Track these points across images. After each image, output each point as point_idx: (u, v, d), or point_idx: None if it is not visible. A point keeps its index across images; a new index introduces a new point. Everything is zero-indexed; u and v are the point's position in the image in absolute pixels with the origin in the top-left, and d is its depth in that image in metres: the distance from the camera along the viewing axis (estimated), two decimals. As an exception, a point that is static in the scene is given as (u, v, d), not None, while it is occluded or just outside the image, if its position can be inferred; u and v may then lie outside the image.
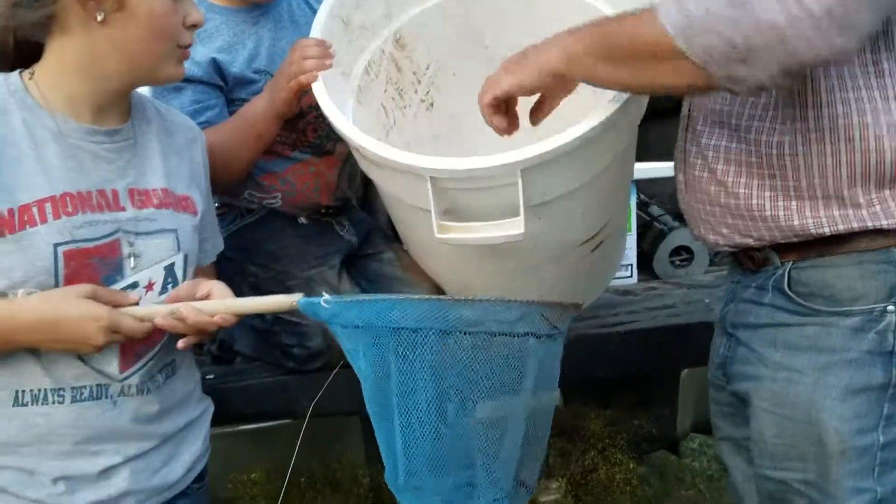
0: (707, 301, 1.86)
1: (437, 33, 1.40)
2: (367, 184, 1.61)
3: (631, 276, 2.05)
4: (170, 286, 1.09)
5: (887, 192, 0.98)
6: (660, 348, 1.72)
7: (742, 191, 1.05)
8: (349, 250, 1.61)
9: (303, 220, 1.56)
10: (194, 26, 1.09)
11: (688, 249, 2.08)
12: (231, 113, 1.41)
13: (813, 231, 1.01)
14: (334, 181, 1.54)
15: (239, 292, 1.11)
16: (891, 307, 0.98)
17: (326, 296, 1.00)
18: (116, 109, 1.09)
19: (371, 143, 1.11)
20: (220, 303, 1.06)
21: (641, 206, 2.15)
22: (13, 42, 1.06)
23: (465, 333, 0.97)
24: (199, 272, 1.19)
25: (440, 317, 0.96)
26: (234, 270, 1.46)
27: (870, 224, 0.98)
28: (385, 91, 1.39)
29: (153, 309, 1.04)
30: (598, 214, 1.29)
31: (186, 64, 1.23)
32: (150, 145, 1.12)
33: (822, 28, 0.79)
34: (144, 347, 1.08)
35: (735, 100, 1.06)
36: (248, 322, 1.54)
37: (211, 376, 1.50)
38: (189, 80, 1.34)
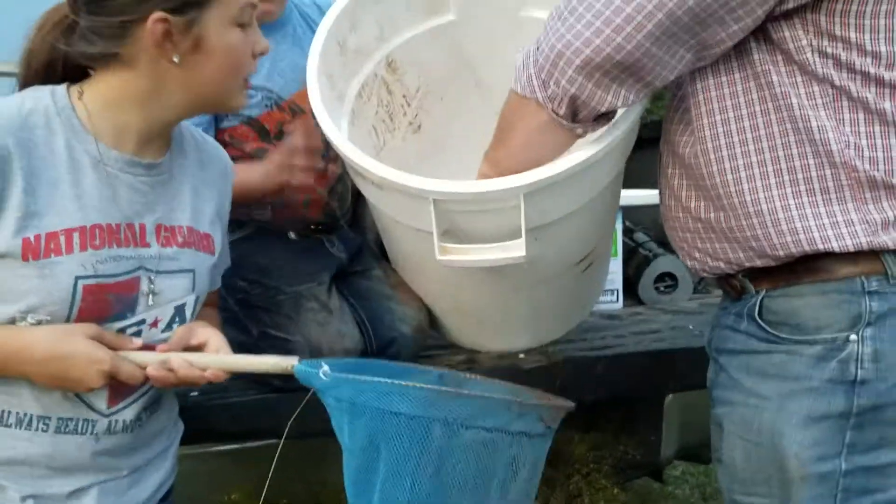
0: (691, 327, 1.88)
1: (427, 58, 1.43)
2: (357, 202, 1.62)
3: (617, 300, 2.07)
4: (175, 325, 1.08)
5: (838, 207, 0.99)
6: (645, 373, 1.73)
7: (703, 215, 1.08)
8: (339, 267, 1.62)
9: (292, 235, 1.57)
10: (261, 54, 1.07)
11: (672, 276, 2.11)
12: (226, 129, 1.41)
13: (768, 251, 1.02)
14: (324, 197, 1.55)
15: (226, 308, 1.11)
16: (853, 336, 0.99)
17: (325, 367, 0.99)
18: (160, 141, 1.08)
19: (374, 164, 1.13)
20: (213, 358, 1.05)
21: (627, 232, 2.18)
22: (61, 67, 1.03)
23: (461, 426, 0.97)
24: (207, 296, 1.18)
25: (440, 407, 0.96)
26: (223, 285, 1.46)
27: (820, 247, 0.99)
28: (376, 113, 1.42)
29: (150, 356, 1.03)
30: (591, 236, 1.32)
31: None
32: (184, 180, 1.11)
33: (596, 26, 0.92)
34: (131, 387, 1.07)
35: (676, 126, 1.10)
36: (232, 338, 1.54)
37: (195, 393, 1.49)
38: None
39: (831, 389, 1.00)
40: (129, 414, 1.08)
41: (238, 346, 1.54)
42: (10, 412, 1.01)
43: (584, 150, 1.05)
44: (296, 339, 1.46)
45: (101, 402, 1.04)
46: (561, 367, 1.66)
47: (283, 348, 1.49)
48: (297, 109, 1.47)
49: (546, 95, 0.98)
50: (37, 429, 1.01)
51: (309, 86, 1.23)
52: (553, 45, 0.94)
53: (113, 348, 1.00)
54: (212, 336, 1.07)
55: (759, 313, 1.05)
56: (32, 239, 0.96)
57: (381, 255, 1.67)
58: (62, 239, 0.97)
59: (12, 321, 0.97)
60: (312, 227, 1.58)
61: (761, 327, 1.05)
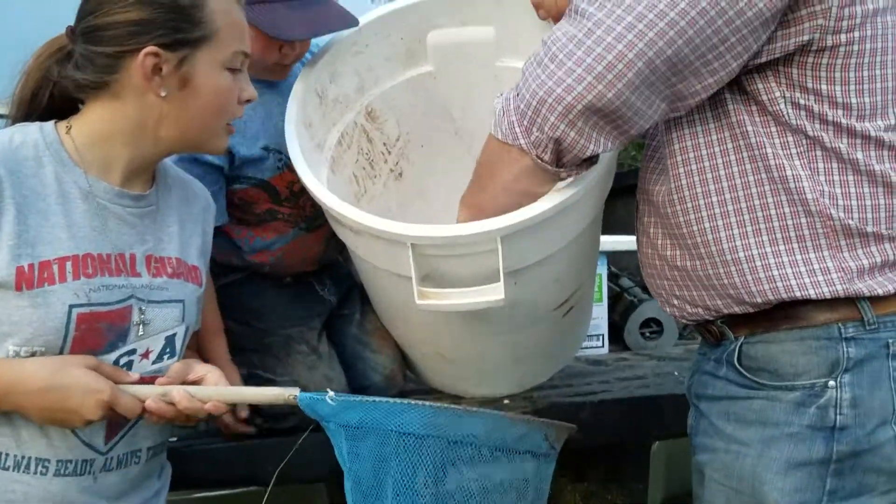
0: (676, 373, 1.87)
1: (406, 107, 1.46)
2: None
3: (602, 346, 2.07)
4: (166, 356, 1.08)
5: (815, 255, 1.00)
6: (631, 420, 1.72)
7: (679, 263, 1.09)
8: (330, 311, 1.62)
9: (288, 280, 1.57)
10: (248, 101, 1.09)
11: (658, 322, 2.11)
12: (237, 191, 1.42)
13: (746, 299, 1.03)
14: (321, 251, 1.57)
15: None
16: (831, 383, 0.99)
17: (331, 393, 0.98)
18: (145, 175, 1.10)
19: (350, 210, 1.14)
20: (213, 389, 1.04)
21: (612, 277, 2.19)
22: (48, 98, 1.06)
23: (469, 445, 0.98)
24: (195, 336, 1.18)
25: (448, 426, 0.96)
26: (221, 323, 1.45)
27: (798, 294, 1.00)
28: (357, 161, 1.44)
29: (149, 389, 1.02)
30: (570, 280, 1.32)
31: None
32: (170, 213, 1.13)
33: (577, 73, 0.92)
34: (125, 418, 1.06)
35: (651, 176, 1.12)
36: None
37: (174, 439, 1.47)
38: (198, 161, 1.35)
39: (811, 436, 0.99)
40: (123, 448, 1.06)
41: None
42: (8, 454, 0.99)
43: (559, 194, 1.07)
44: (283, 380, 1.46)
45: (98, 439, 1.03)
46: (546, 412, 1.64)
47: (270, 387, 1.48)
48: None
49: (529, 142, 0.97)
50: (35, 472, 0.99)
51: (287, 133, 1.26)
52: (535, 91, 0.94)
53: (111, 381, 0.99)
54: (210, 371, 1.07)
55: (739, 359, 1.05)
56: (26, 268, 0.96)
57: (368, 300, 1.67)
58: (55, 268, 0.97)
59: (5, 356, 0.97)
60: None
61: (740, 373, 1.05)
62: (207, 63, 1.02)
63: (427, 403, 0.97)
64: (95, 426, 1.02)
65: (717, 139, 1.03)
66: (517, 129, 0.97)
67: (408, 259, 1.08)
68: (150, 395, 1.01)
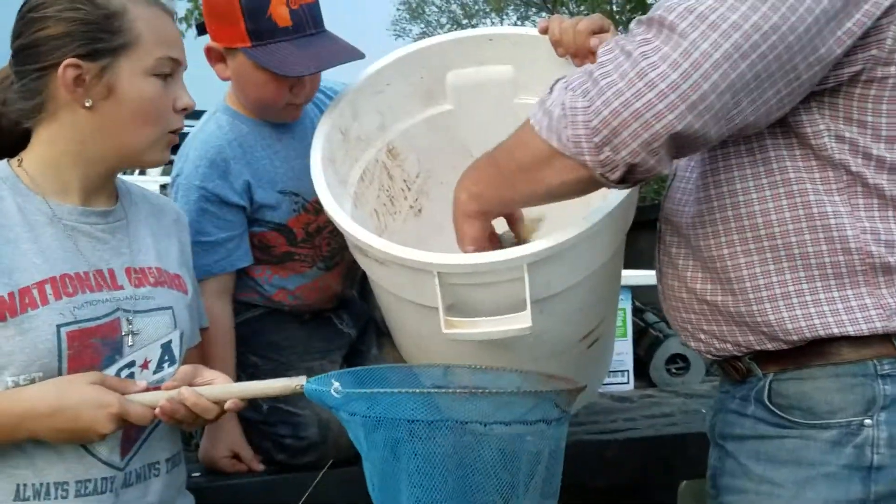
0: (704, 411, 1.83)
1: (426, 144, 1.48)
2: (364, 277, 1.62)
3: (627, 382, 2.04)
4: (165, 364, 1.09)
5: (852, 291, 0.98)
6: (658, 458, 1.68)
7: (710, 297, 1.07)
8: (349, 344, 1.62)
9: (306, 316, 1.58)
10: (185, 110, 1.09)
11: (684, 358, 2.08)
12: (255, 234, 1.43)
13: (781, 336, 1.01)
14: (339, 289, 1.58)
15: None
16: (868, 421, 0.97)
17: (336, 383, 0.97)
18: (105, 192, 1.11)
19: (377, 240, 1.15)
20: (222, 388, 1.04)
21: (637, 312, 2.16)
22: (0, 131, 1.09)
23: (479, 424, 0.97)
24: (189, 354, 1.18)
25: (454, 409, 0.96)
26: (235, 361, 1.47)
27: (835, 331, 0.98)
28: (378, 197, 1.45)
29: (157, 395, 1.02)
30: (594, 311, 1.31)
31: (224, 188, 1.27)
32: (141, 225, 1.14)
33: (670, 100, 0.85)
34: (138, 429, 1.06)
35: (683, 208, 1.10)
36: (241, 416, 1.53)
37: (197, 474, 1.47)
38: (224, 203, 1.39)
39: (848, 476, 0.97)
40: (140, 461, 1.07)
41: (246, 422, 1.54)
42: (26, 485, 0.99)
43: (585, 221, 1.07)
44: (305, 412, 1.45)
45: (114, 455, 1.04)
46: (571, 450, 1.62)
47: (290, 422, 1.48)
48: (322, 208, 1.49)
49: (597, 160, 0.90)
50: (56, 496, 1.00)
51: (312, 168, 1.28)
52: (617, 110, 0.86)
53: (118, 392, 0.99)
54: (218, 376, 1.07)
55: (769, 397, 1.03)
56: (6, 297, 0.97)
57: (386, 331, 1.67)
58: (35, 292, 0.99)
59: (5, 388, 0.98)
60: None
61: (771, 411, 1.02)
62: (130, 70, 1.03)
63: (431, 390, 0.97)
64: (111, 442, 1.03)
65: (752, 173, 1.01)
66: (584, 145, 0.89)
67: (434, 288, 1.08)
68: (159, 400, 1.01)
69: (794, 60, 0.89)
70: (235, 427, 1.44)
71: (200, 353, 1.27)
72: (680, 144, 0.90)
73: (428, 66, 1.40)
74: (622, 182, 0.94)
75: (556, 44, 1.30)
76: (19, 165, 1.06)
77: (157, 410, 1.00)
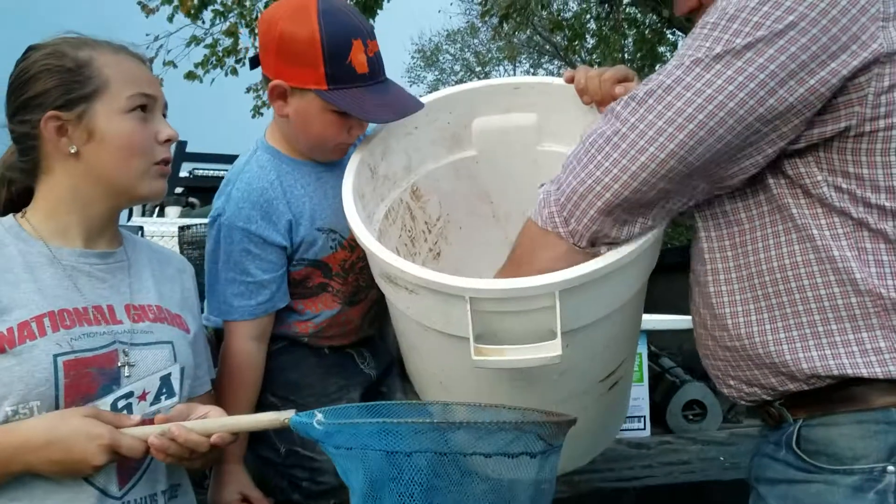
0: (721, 458, 1.81)
1: (449, 189, 1.50)
2: (383, 318, 1.62)
3: (644, 428, 2.02)
4: (163, 397, 1.11)
5: (866, 334, 1.00)
6: (676, 507, 1.66)
7: (730, 343, 1.09)
8: (368, 384, 1.61)
9: (326, 351, 1.57)
10: (168, 141, 1.14)
11: (701, 404, 2.06)
12: (290, 272, 1.43)
13: (798, 375, 1.02)
14: (358, 325, 1.58)
15: None
16: (890, 468, 0.98)
17: (319, 415, 0.98)
18: (106, 234, 1.16)
19: (408, 265, 1.16)
20: (211, 422, 1.06)
21: (652, 357, 2.16)
22: (6, 192, 1.17)
23: (460, 455, 0.96)
24: (200, 400, 1.19)
25: (435, 440, 0.96)
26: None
27: (849, 372, 0.99)
28: (399, 237, 1.47)
29: (148, 429, 1.04)
30: (617, 349, 1.32)
31: (268, 229, 1.30)
32: (143, 269, 1.18)
33: (613, 174, 1.00)
34: (138, 460, 1.07)
35: (696, 259, 1.13)
36: (260, 454, 1.52)
37: None
38: (268, 243, 1.40)
39: None
40: (139, 492, 1.07)
41: (264, 462, 1.53)
42: None
43: (615, 252, 1.09)
44: (322, 458, 1.44)
45: (112, 486, 1.05)
46: (588, 498, 1.60)
47: (308, 467, 1.47)
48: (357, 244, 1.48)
49: (567, 231, 1.06)
50: None
51: (344, 198, 1.29)
52: (575, 187, 1.03)
53: (112, 425, 1.01)
54: (212, 410, 1.08)
55: (797, 442, 1.04)
56: (6, 332, 1.01)
57: (406, 377, 1.66)
58: (34, 325, 1.02)
59: (5, 420, 1.00)
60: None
61: (799, 456, 1.04)
62: (106, 112, 1.10)
63: (409, 421, 0.96)
64: (108, 472, 1.04)
65: (760, 224, 1.05)
66: (556, 219, 1.05)
67: (465, 314, 1.09)
68: (151, 433, 1.02)
69: (744, 123, 0.96)
70: (241, 470, 1.42)
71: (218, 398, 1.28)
72: (644, 206, 1.03)
73: (455, 112, 1.43)
74: (594, 246, 1.07)
75: (582, 92, 1.34)
76: (22, 217, 1.13)
77: (150, 447, 1.02)
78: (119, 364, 1.07)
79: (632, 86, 1.27)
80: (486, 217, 1.54)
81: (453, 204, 1.51)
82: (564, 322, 1.09)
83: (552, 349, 1.08)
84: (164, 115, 1.18)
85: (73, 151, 1.09)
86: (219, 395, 1.34)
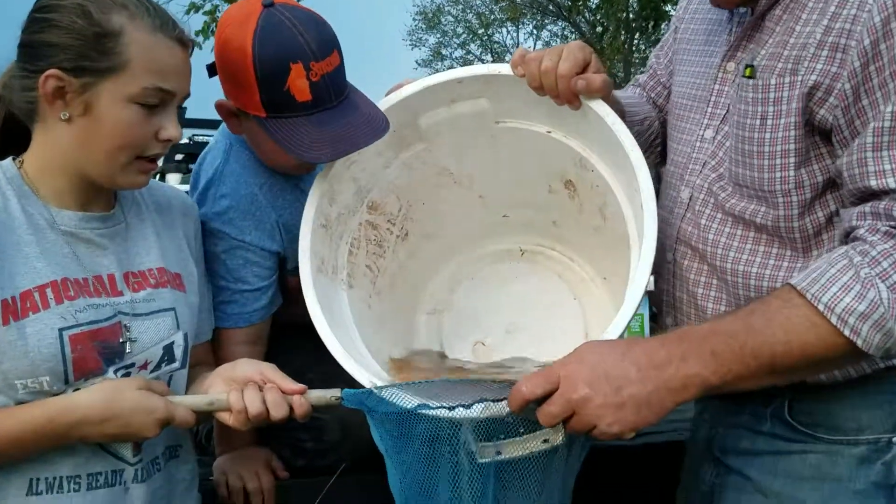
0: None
1: (404, 182, 1.41)
2: None
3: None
4: (164, 364, 1.10)
5: None
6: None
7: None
8: None
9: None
10: (168, 141, 1.06)
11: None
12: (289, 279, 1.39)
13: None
14: None
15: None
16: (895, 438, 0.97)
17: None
18: (101, 197, 1.10)
19: (403, 398, 1.04)
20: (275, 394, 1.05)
21: (654, 318, 2.14)
22: (2, 121, 1.09)
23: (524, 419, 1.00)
24: (195, 350, 1.19)
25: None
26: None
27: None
28: (367, 254, 1.40)
29: (200, 398, 1.06)
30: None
31: (262, 238, 1.27)
32: (143, 225, 1.14)
33: None
34: None
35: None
36: (286, 459, 1.47)
37: (212, 477, 1.40)
38: (264, 250, 1.35)
39: (874, 493, 0.98)
40: (148, 456, 1.10)
41: (259, 431, 1.40)
42: (39, 479, 1.02)
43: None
44: (325, 416, 1.38)
45: (126, 451, 1.07)
46: (589, 456, 1.58)
47: (312, 426, 1.36)
48: None
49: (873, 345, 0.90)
50: (69, 490, 1.02)
51: (308, 302, 1.19)
52: None
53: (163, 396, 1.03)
54: (248, 362, 1.11)
55: (790, 413, 1.03)
56: (10, 300, 0.99)
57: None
58: (36, 296, 1.00)
59: (14, 392, 0.99)
60: None
61: (794, 428, 1.03)
62: (112, 94, 1.01)
63: (471, 378, 1.02)
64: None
65: None
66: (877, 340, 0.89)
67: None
68: (200, 404, 1.05)
69: None
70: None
71: (212, 349, 1.29)
72: None
73: (399, 120, 1.30)
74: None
75: (537, 88, 1.18)
76: (21, 167, 1.07)
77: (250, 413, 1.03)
78: (121, 339, 1.06)
79: (594, 78, 1.12)
80: (448, 185, 1.45)
81: (411, 190, 1.43)
82: None
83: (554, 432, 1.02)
84: (181, 106, 1.09)
85: (64, 118, 1.02)
86: None
